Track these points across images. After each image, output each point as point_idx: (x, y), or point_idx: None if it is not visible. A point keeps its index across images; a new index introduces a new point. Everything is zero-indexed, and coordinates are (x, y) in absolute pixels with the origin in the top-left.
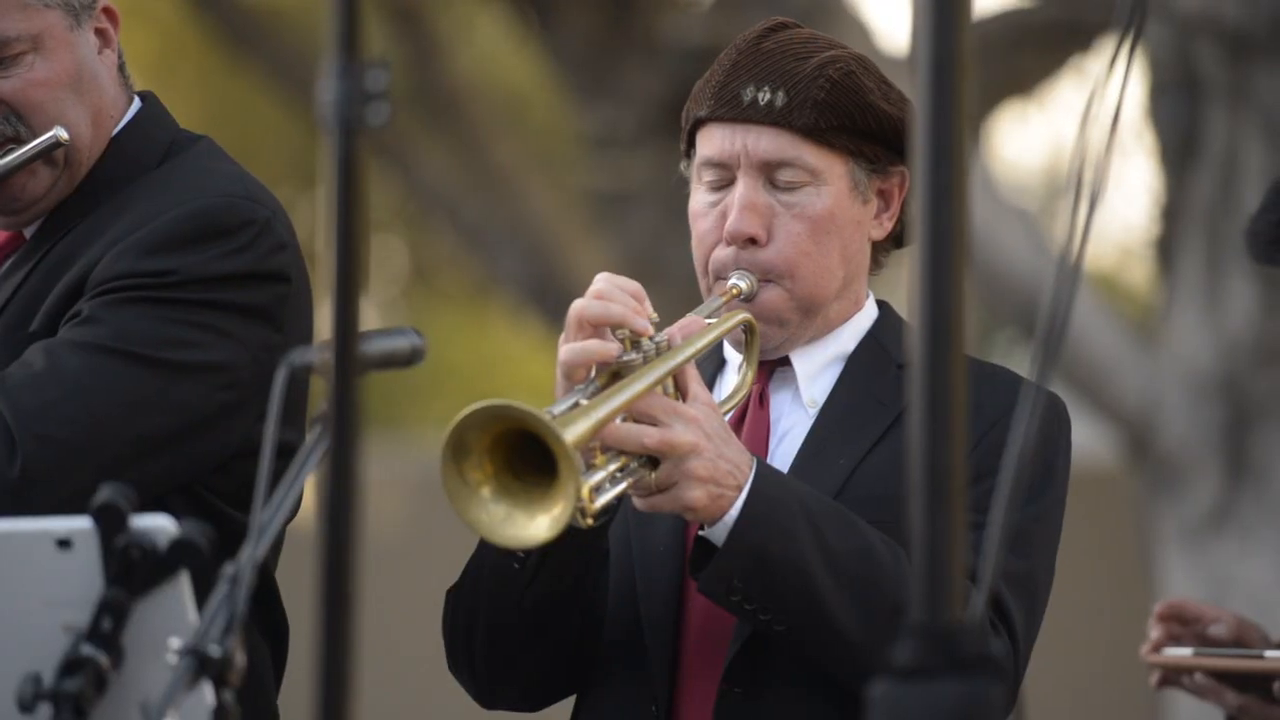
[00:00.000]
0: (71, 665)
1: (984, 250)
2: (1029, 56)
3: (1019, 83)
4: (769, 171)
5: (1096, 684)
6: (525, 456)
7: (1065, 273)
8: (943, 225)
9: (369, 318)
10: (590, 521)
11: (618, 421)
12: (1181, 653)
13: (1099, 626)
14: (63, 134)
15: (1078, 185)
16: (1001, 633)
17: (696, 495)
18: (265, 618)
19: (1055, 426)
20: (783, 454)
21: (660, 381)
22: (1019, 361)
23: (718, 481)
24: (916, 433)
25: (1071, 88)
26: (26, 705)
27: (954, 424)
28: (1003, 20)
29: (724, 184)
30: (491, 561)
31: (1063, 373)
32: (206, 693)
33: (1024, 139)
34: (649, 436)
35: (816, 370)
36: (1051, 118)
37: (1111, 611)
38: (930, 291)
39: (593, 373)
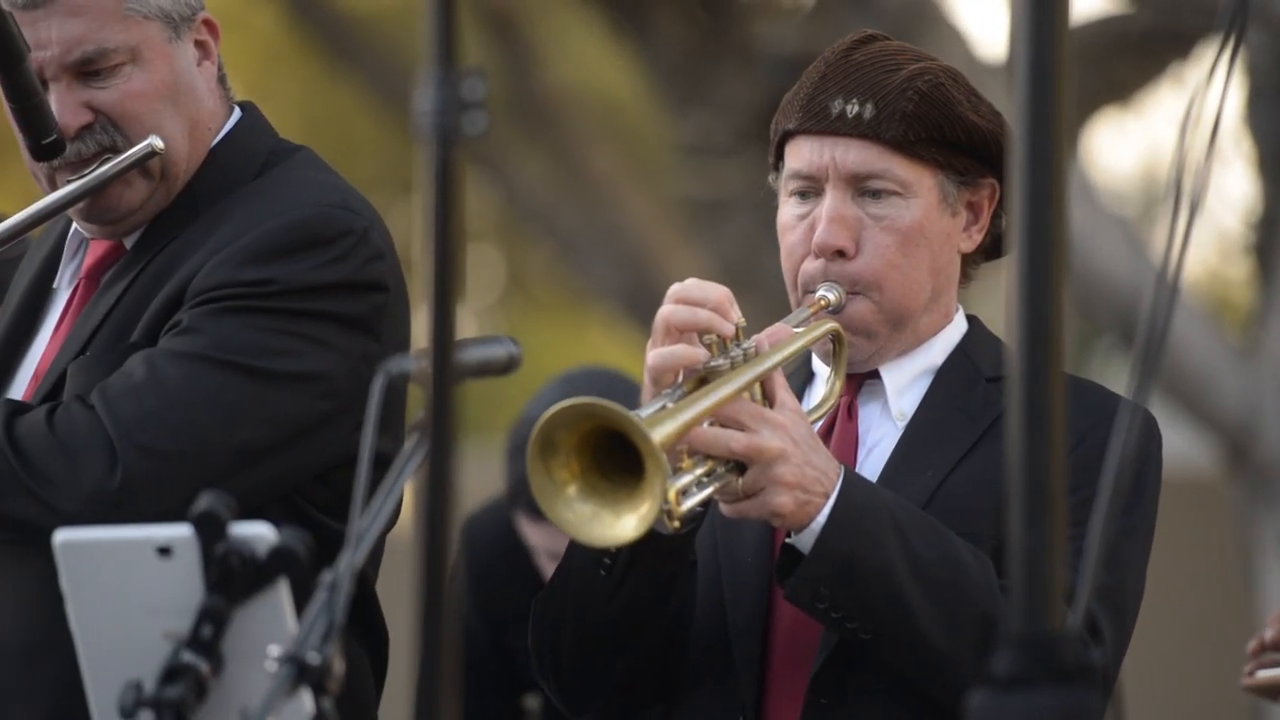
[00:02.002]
0: (172, 673)
1: (1082, 257)
2: (1126, 64)
3: (1116, 91)
4: (857, 184)
5: (1197, 691)
6: (613, 457)
7: (1164, 283)
8: (1041, 233)
9: (466, 326)
10: (676, 525)
11: (705, 425)
12: (1276, 673)
13: (1199, 633)
14: (158, 144)
15: (1177, 194)
16: (1093, 647)
17: (783, 501)
18: (365, 627)
19: (1147, 441)
20: (871, 466)
21: (747, 387)
22: (1118, 369)
23: (805, 488)
24: (1015, 441)
25: (1169, 94)
26: (128, 712)
27: (1053, 432)
28: (1100, 27)
29: (812, 196)
30: (579, 567)
31: (1161, 381)
32: (305, 700)
33: (1120, 145)
34: (736, 441)
35: (905, 383)
36: (1147, 124)
37: (1211, 618)
38: (1029, 301)
39: (680, 378)
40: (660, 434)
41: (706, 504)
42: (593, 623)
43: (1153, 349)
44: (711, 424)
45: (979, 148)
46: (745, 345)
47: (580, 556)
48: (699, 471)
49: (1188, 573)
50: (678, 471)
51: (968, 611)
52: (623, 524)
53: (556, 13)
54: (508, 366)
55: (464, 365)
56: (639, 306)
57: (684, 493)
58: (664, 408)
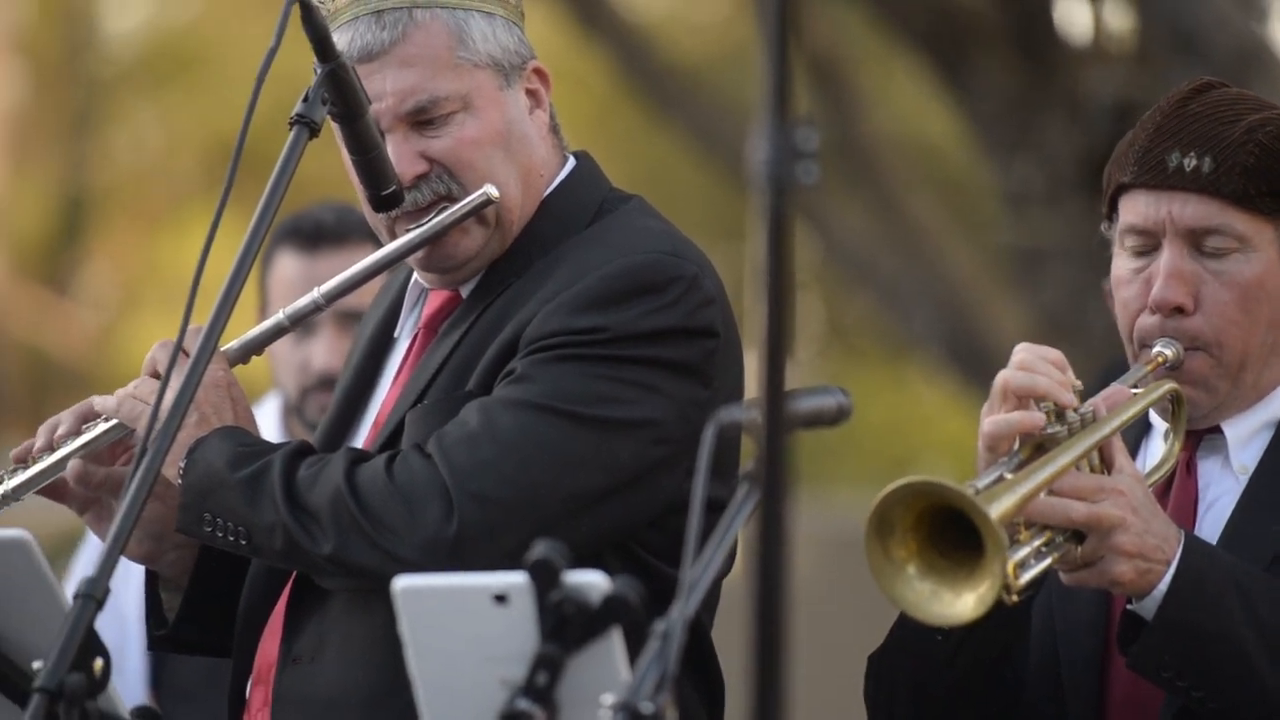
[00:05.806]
0: (508, 719)
1: None
2: None
3: None
4: (1195, 239)
5: None
6: (948, 532)
7: None
8: None
9: (790, 377)
10: (1015, 599)
11: (1043, 496)
12: None
13: None
14: (493, 192)
15: None
16: None
17: (1123, 570)
18: (700, 676)
19: None
20: (1210, 522)
21: (1085, 455)
22: None
23: (1145, 556)
24: None
25: None
26: None
27: None
28: None
29: (1148, 250)
30: (914, 632)
31: None
32: None
33: None
34: (1075, 511)
35: (1247, 436)
36: None
37: None
38: None
39: (1016, 445)
40: (999, 510)
41: (1045, 573)
42: (928, 687)
43: None
44: (1049, 493)
45: None
46: (1082, 410)
47: (914, 623)
48: (1037, 543)
49: None
50: (1015, 544)
51: None
52: (962, 603)
53: (879, 60)
54: (838, 417)
55: (795, 415)
56: (960, 355)
57: (1022, 565)
58: (1001, 478)
